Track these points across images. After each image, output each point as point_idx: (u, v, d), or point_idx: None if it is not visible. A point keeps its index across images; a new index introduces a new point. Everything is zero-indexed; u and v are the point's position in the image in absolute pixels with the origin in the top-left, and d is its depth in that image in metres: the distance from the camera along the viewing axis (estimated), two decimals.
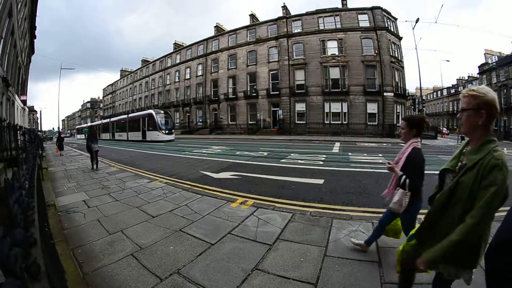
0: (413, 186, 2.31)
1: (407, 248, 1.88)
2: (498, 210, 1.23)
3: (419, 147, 2.40)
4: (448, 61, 40.21)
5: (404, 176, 2.34)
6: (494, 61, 38.50)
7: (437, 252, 1.38)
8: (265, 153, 12.12)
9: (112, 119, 35.42)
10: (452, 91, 54.13)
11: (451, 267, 1.44)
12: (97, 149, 9.41)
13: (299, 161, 9.50)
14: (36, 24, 23.26)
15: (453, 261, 1.40)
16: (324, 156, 10.92)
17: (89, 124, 51.16)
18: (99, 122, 42.50)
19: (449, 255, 1.36)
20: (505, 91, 34.78)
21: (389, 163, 2.58)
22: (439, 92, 59.73)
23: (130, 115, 30.71)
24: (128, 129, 29.20)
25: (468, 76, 51.52)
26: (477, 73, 43.65)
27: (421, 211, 2.37)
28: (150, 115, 25.32)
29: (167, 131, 24.59)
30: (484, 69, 40.12)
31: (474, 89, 1.39)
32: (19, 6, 15.14)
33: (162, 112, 26.75)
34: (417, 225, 1.93)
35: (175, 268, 2.60)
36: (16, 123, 7.08)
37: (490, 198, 1.23)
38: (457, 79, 56.23)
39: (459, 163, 1.47)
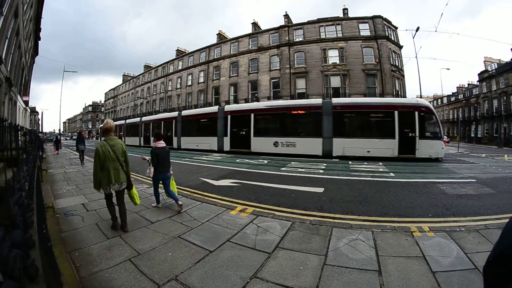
0: (152, 165, 4.87)
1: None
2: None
3: (157, 146, 4.82)
4: (448, 69, 40.69)
5: (149, 159, 5.00)
6: (493, 68, 38.75)
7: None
8: (266, 161, 12.11)
9: (236, 107, 19.21)
10: (453, 99, 54.35)
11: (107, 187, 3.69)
12: (83, 149, 12.37)
13: (300, 169, 9.48)
14: (41, 26, 23.50)
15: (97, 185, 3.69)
16: (325, 164, 10.90)
17: (139, 119, 29.76)
18: (172, 114, 23.78)
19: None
20: (504, 98, 34.92)
21: (142, 157, 5.61)
22: (439, 100, 59.92)
23: (337, 100, 15.21)
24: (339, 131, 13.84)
25: (468, 84, 51.78)
26: (477, 81, 43.95)
27: None
28: (428, 109, 13.26)
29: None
30: (484, 77, 40.38)
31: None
32: (25, 7, 15.28)
33: None
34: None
35: (173, 275, 2.57)
36: (17, 124, 7.10)
37: (94, 159, 3.64)
38: (457, 87, 56.48)
39: None
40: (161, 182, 4.87)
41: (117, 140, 3.78)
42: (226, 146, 16.84)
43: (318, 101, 15.34)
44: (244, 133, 16.27)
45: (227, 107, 17.93)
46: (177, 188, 6.60)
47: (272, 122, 16.09)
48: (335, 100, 14.61)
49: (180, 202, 4.69)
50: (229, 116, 16.97)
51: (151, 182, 5.34)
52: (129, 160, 3.88)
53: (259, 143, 15.59)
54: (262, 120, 16.22)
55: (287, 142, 14.80)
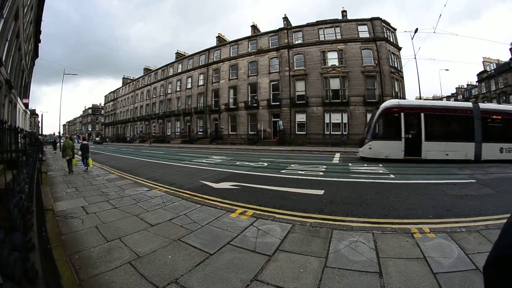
0: (80, 150, 11.12)
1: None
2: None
3: (83, 143, 11.25)
4: (447, 70, 40.59)
5: (81, 147, 11.15)
6: (492, 68, 38.90)
7: None
8: (265, 164, 12.08)
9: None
10: (452, 99, 54.57)
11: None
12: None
13: (300, 172, 9.45)
14: (41, 28, 23.52)
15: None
16: (325, 167, 10.88)
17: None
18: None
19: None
20: (504, 97, 35.02)
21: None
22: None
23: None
24: None
25: (467, 84, 51.99)
26: (476, 81, 44.13)
27: None
28: None
29: None
30: (483, 77, 40.51)
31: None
32: (25, 10, 15.29)
33: None
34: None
35: (173, 278, 2.57)
36: (17, 126, 7.13)
37: (61, 147, 11.66)
38: (456, 88, 56.68)
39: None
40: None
41: (69, 141, 10.77)
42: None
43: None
44: None
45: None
46: (177, 191, 6.72)
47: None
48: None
49: (85, 169, 10.23)
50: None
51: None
52: (74, 148, 10.01)
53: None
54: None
55: None
